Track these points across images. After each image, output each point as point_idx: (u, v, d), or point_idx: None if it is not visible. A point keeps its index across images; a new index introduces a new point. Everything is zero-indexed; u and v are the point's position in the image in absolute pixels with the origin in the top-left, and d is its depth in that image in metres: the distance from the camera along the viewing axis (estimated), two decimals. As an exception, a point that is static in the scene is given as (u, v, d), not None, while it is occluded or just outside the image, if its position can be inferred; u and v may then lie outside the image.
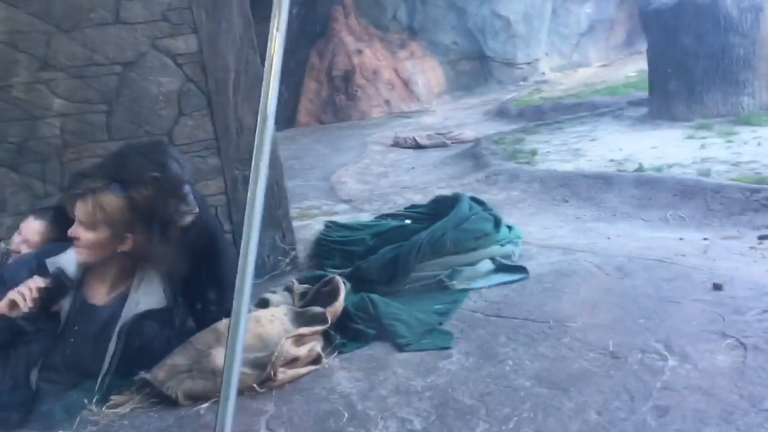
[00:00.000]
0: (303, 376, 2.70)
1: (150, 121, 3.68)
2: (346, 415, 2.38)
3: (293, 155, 8.45)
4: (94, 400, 2.54)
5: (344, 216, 5.29)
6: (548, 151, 6.52)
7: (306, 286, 3.29)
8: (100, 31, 3.55)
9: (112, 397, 2.58)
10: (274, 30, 1.18)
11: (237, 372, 1.67)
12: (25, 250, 3.11)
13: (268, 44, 1.17)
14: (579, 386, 2.35)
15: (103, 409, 2.53)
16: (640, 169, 5.18)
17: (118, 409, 2.55)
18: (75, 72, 3.50)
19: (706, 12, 6.59)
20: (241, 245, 1.63)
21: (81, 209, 2.47)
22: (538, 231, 4.37)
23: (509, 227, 3.93)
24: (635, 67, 10.88)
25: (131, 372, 2.62)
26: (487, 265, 3.56)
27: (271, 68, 1.20)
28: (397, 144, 8.62)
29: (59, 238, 2.99)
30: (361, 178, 6.90)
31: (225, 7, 3.80)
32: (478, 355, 2.70)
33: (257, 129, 1.25)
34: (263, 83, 1.18)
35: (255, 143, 1.28)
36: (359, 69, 11.40)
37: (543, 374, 2.48)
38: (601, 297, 3.10)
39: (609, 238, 4.10)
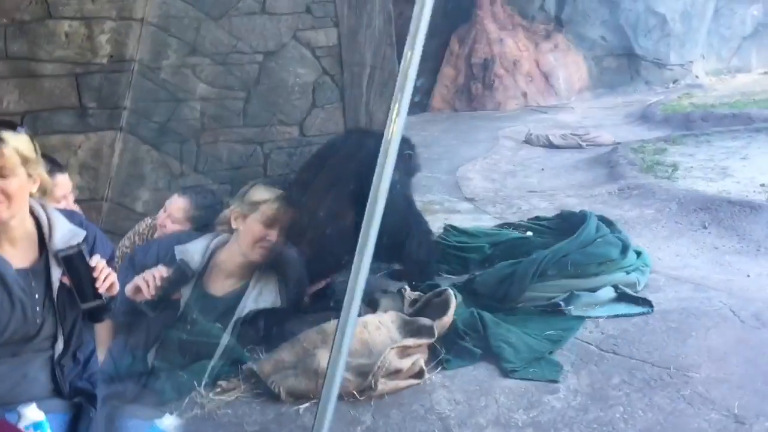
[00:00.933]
0: (403, 389, 2.68)
1: (284, 110, 3.77)
2: (442, 440, 2.34)
3: (422, 143, 8.38)
4: (203, 384, 2.65)
5: (466, 216, 5.21)
6: (691, 167, 6.09)
7: (417, 293, 3.27)
8: (247, 20, 3.66)
9: (219, 383, 2.68)
10: (394, 114, 1.12)
11: (340, 375, 1.64)
12: (169, 224, 3.29)
13: (386, 129, 1.11)
14: (694, 451, 2.19)
15: (210, 394, 2.64)
16: (795, 200, 4.73)
17: (224, 396, 2.65)
18: (219, 59, 3.63)
19: None
20: (357, 247, 1.55)
21: (285, 215, 2.65)
22: (669, 258, 4.10)
23: (638, 253, 3.71)
24: (802, 78, 9.96)
25: (240, 362, 2.71)
26: (608, 292, 3.38)
27: (387, 153, 1.13)
28: (529, 141, 8.36)
29: (200, 217, 3.17)
30: (487, 176, 6.76)
31: (367, 2, 3.81)
32: (587, 395, 2.57)
33: (366, 211, 1.19)
34: (377, 165, 1.13)
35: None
36: (499, 58, 11.14)
37: (656, 429, 2.32)
38: (732, 348, 2.86)
39: (749, 276, 3.77)
